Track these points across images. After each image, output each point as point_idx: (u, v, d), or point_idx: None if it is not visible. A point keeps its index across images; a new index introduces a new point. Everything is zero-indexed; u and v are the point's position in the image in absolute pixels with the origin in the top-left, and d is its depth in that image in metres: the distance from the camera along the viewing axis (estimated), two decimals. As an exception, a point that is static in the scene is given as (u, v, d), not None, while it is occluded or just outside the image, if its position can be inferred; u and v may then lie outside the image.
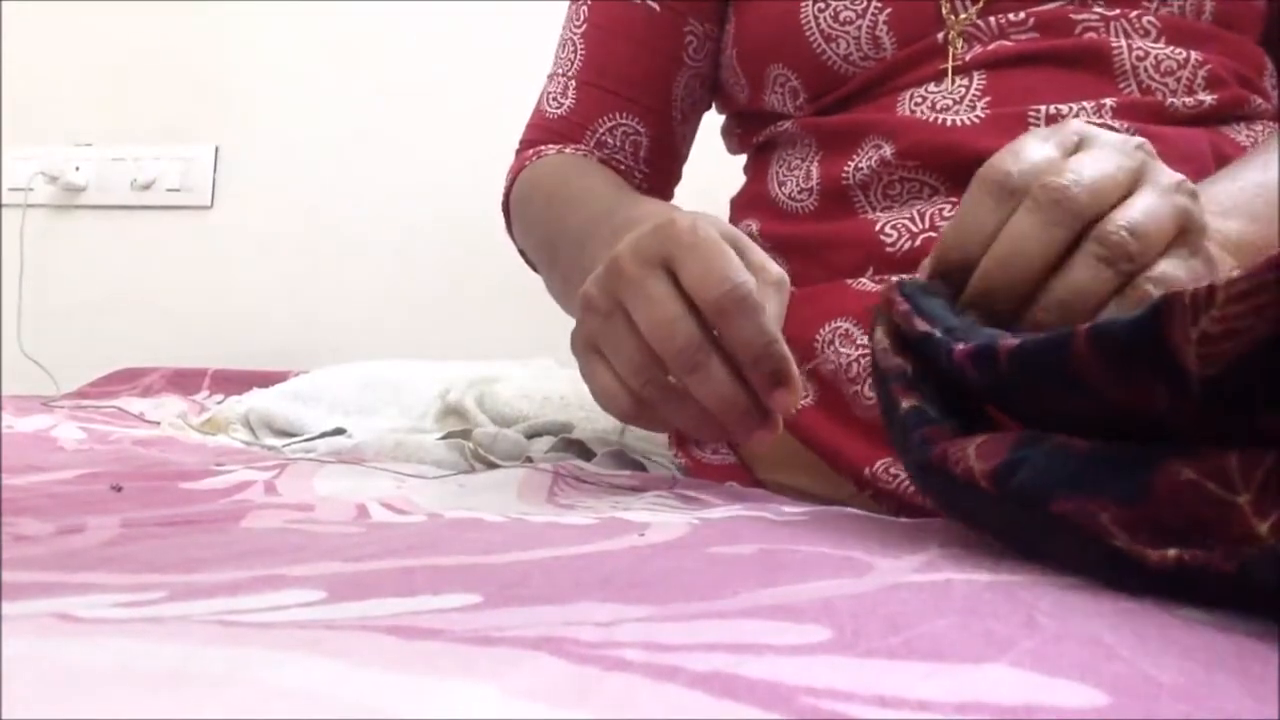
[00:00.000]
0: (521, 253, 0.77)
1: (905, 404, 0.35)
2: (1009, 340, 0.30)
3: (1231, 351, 0.22)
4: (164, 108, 1.68)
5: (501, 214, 0.77)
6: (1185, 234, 0.37)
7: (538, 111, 0.75)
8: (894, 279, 0.38)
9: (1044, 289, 0.36)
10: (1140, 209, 0.36)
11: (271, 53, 1.66)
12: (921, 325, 0.36)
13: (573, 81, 0.73)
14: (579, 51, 0.72)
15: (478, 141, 1.50)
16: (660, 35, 0.70)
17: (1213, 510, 0.22)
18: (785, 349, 0.42)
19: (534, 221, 0.70)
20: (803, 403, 0.58)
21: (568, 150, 0.72)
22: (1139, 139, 0.39)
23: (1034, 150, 0.38)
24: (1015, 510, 0.28)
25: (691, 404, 0.43)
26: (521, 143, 0.76)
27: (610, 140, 0.72)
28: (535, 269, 0.75)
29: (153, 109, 1.68)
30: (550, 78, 0.75)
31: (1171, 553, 0.23)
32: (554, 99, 0.74)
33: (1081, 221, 0.36)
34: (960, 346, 0.33)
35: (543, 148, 0.72)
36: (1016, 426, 0.33)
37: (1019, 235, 0.36)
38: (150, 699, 0.14)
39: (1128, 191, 0.37)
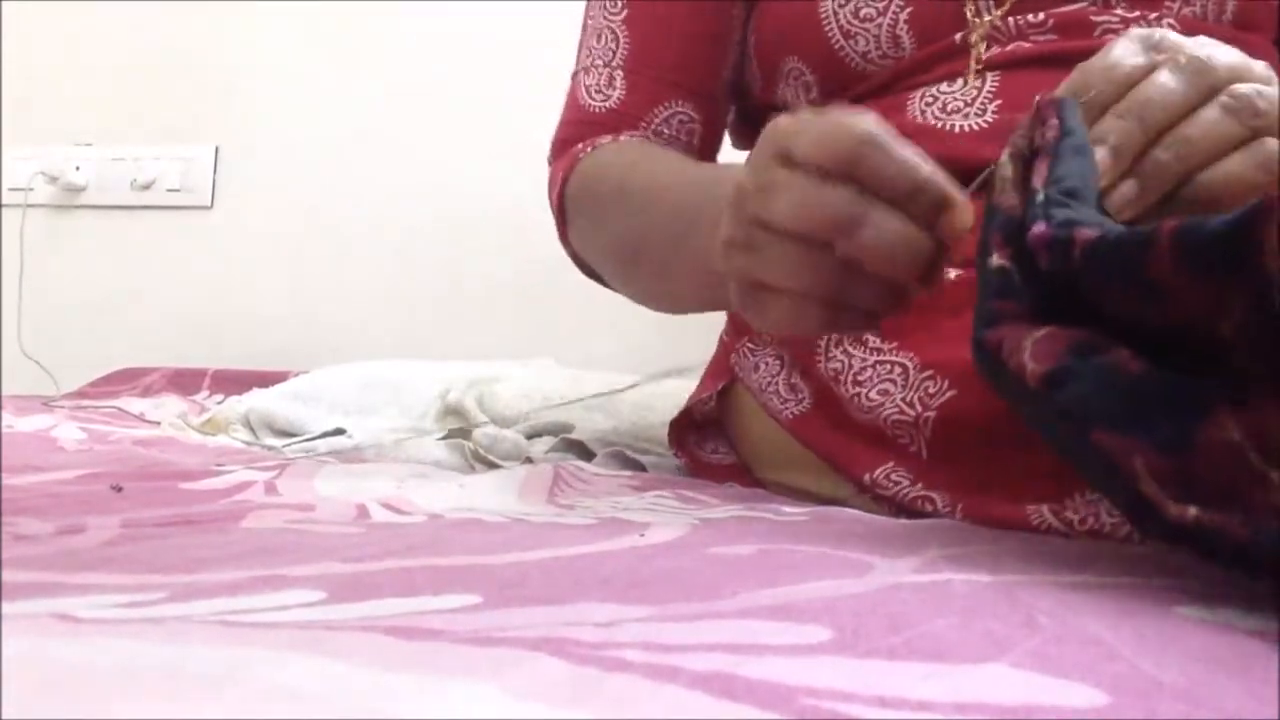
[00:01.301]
0: (574, 257, 0.71)
1: (995, 259, 0.34)
2: (1087, 231, 0.29)
3: None
4: (164, 108, 1.68)
5: (555, 218, 0.70)
6: None
7: (576, 107, 0.70)
8: (1051, 96, 0.38)
9: (1170, 132, 0.38)
10: (1267, 86, 0.39)
11: (271, 53, 1.66)
12: (1040, 177, 0.34)
13: (619, 71, 0.69)
14: (621, 40, 0.69)
15: (478, 142, 1.50)
16: (706, 18, 0.68)
17: (1247, 479, 0.22)
18: (938, 170, 0.38)
19: (602, 222, 0.65)
20: (798, 409, 0.58)
21: (623, 138, 0.67)
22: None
23: (1170, 33, 0.41)
24: (1057, 421, 0.28)
25: (871, 274, 0.39)
26: (559, 141, 0.71)
27: (666, 129, 0.68)
28: (594, 271, 0.70)
29: (153, 109, 1.68)
30: (586, 70, 0.70)
31: (1192, 511, 0.23)
32: (598, 91, 0.69)
33: (1216, 92, 0.38)
34: (1040, 227, 0.31)
35: (596, 140, 0.67)
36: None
37: (1161, 84, 0.38)
38: (150, 699, 0.14)
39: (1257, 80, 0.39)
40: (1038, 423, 0.30)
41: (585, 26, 0.72)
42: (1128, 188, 0.39)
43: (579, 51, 0.72)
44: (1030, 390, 0.29)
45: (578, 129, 0.69)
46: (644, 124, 0.68)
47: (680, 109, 0.68)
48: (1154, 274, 0.26)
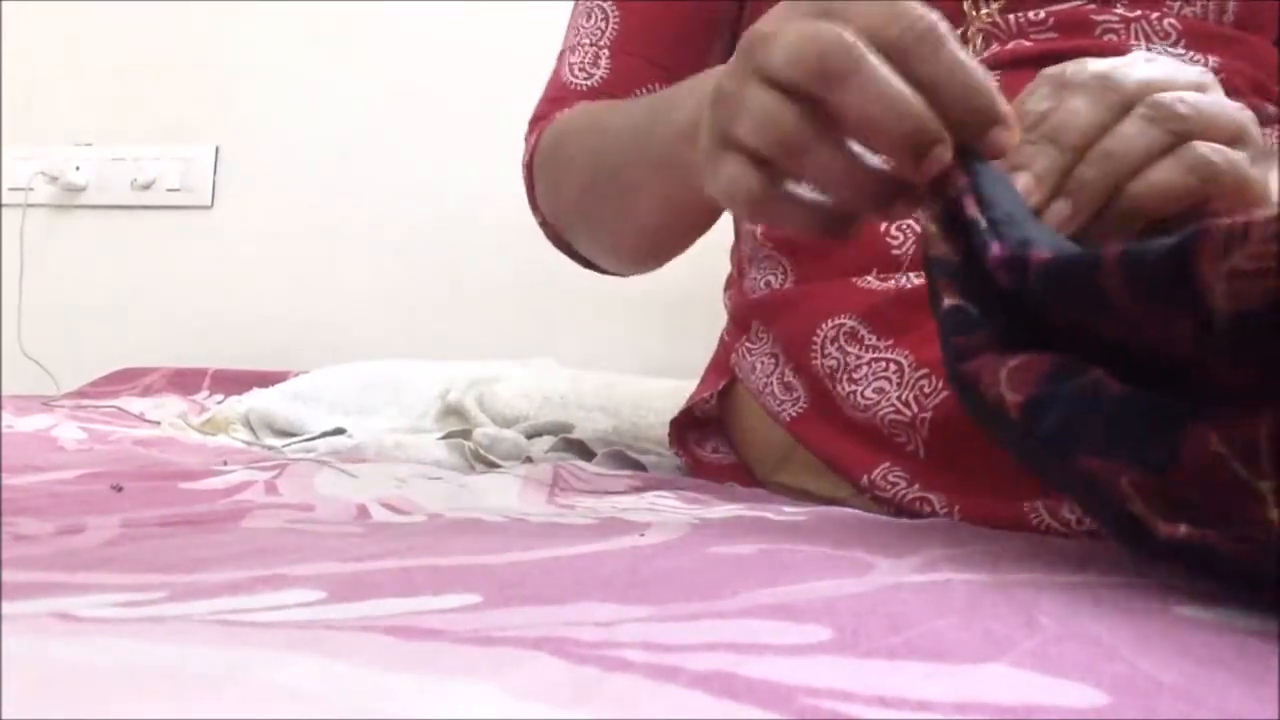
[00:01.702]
0: (543, 224, 0.70)
1: (947, 301, 0.34)
2: (1041, 253, 0.29)
3: (1265, 292, 0.20)
4: (164, 108, 1.68)
5: (525, 185, 0.70)
6: (1246, 142, 0.38)
7: (558, 85, 0.70)
8: (961, 147, 0.35)
9: (1091, 149, 0.38)
10: (1196, 92, 0.38)
11: (271, 53, 1.66)
12: (972, 210, 0.33)
13: (605, 50, 0.69)
14: (611, 20, 0.69)
15: (478, 142, 1.50)
16: (700, 7, 0.68)
17: (1235, 492, 0.22)
18: (993, 80, 0.36)
19: (570, 160, 0.64)
20: (795, 410, 0.58)
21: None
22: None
23: (1092, 61, 0.40)
24: (1040, 448, 0.28)
25: (843, 151, 0.35)
26: (535, 117, 0.71)
27: None
28: (560, 238, 0.69)
29: (153, 109, 1.68)
30: (572, 49, 0.70)
31: (1183, 529, 0.23)
32: (581, 69, 0.69)
33: (1128, 105, 0.38)
34: (995, 249, 0.31)
35: (568, 109, 0.67)
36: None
37: (1070, 107, 0.38)
38: (150, 699, 0.14)
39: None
40: (1021, 452, 0.30)
41: (575, 7, 0.72)
42: (1060, 207, 0.38)
43: (567, 31, 0.72)
44: (1011, 420, 0.29)
45: (556, 105, 0.69)
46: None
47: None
48: (1105, 295, 0.26)
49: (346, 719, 0.14)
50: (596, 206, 0.62)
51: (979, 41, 0.58)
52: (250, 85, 1.66)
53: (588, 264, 0.71)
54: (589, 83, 0.68)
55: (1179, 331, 0.23)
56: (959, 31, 0.58)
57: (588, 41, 0.70)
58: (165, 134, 1.67)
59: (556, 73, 0.71)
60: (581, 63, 0.69)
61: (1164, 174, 0.37)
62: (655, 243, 0.62)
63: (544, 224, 0.70)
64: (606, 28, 0.69)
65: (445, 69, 1.57)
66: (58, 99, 1.71)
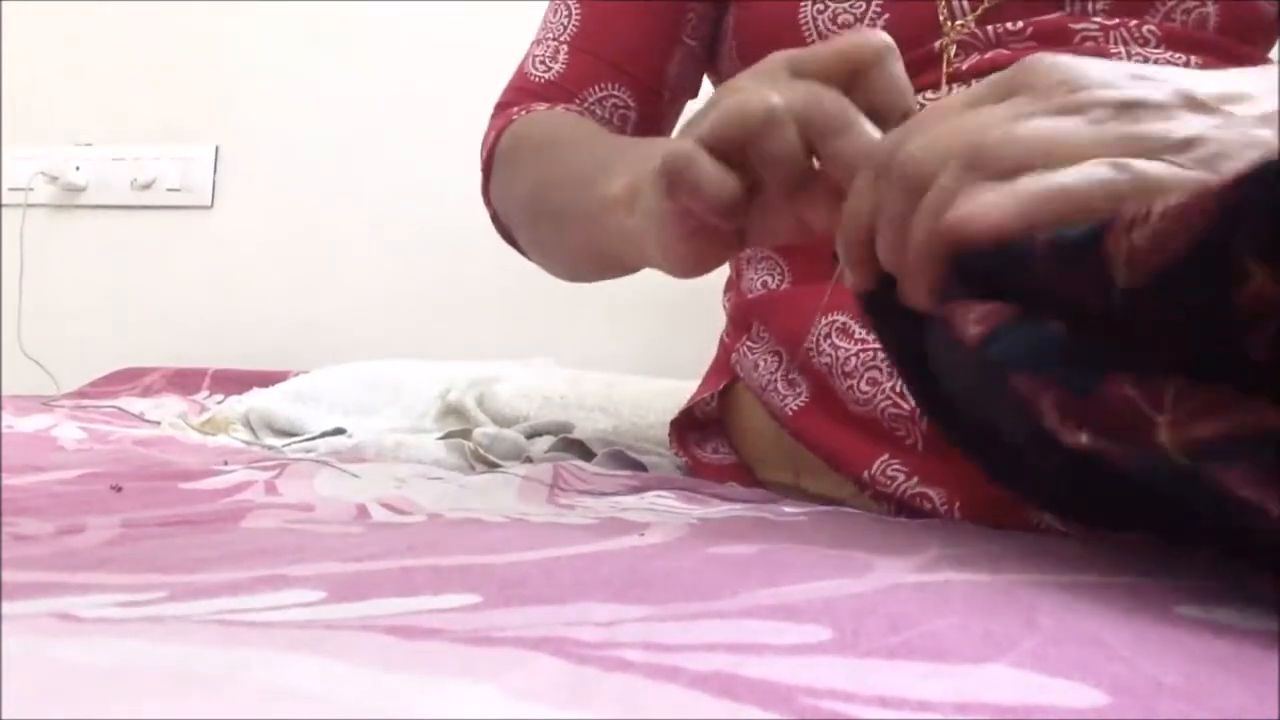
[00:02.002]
0: (494, 218, 0.72)
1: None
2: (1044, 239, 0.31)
3: (1155, 265, 0.23)
4: (164, 108, 1.68)
5: (482, 173, 0.72)
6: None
7: (520, 74, 0.71)
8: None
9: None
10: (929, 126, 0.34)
11: (271, 53, 1.66)
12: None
13: (564, 46, 0.70)
14: (573, 16, 0.70)
15: (478, 142, 1.50)
16: (661, 9, 0.68)
17: (1136, 422, 0.24)
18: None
19: (522, 171, 0.66)
20: (797, 403, 0.58)
21: (559, 108, 0.68)
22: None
23: (935, 115, 0.35)
24: (979, 376, 0.31)
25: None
26: (499, 105, 0.72)
27: (599, 110, 0.69)
28: (508, 233, 0.71)
29: (153, 109, 1.68)
30: (537, 42, 0.72)
31: (1084, 437, 0.26)
32: (541, 62, 0.70)
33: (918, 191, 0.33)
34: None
35: (531, 104, 0.69)
36: None
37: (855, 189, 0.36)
38: (150, 699, 0.14)
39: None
40: (934, 403, 0.33)
41: (550, 2, 0.73)
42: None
43: (540, 25, 0.73)
44: (965, 355, 0.30)
45: (517, 95, 0.71)
46: (577, 100, 0.69)
47: (616, 93, 0.69)
48: (1039, 277, 0.28)
49: (346, 719, 0.14)
50: (535, 226, 0.64)
51: (952, 51, 0.58)
52: (250, 85, 1.66)
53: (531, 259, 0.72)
54: (547, 76, 0.70)
55: (1089, 301, 0.26)
56: (938, 43, 0.58)
57: (550, 36, 0.71)
58: (165, 134, 1.67)
59: (521, 62, 0.72)
60: (543, 56, 0.71)
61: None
62: (584, 274, 0.63)
63: (494, 217, 0.72)
64: (568, 24, 0.70)
65: (445, 69, 1.57)
66: (58, 99, 1.71)
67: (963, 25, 0.58)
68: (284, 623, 0.19)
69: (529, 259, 0.70)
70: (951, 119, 0.33)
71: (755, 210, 0.39)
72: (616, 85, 0.69)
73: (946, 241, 0.31)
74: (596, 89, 0.69)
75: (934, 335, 0.34)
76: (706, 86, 0.74)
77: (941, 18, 0.58)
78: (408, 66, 1.59)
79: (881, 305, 0.36)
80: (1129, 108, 0.31)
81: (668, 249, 0.42)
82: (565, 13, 0.71)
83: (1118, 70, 0.33)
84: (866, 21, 0.59)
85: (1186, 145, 0.31)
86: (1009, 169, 0.31)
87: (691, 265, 0.42)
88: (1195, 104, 0.32)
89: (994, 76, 0.34)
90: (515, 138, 0.67)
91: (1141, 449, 0.24)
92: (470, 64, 1.56)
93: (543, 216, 0.62)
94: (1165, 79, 0.32)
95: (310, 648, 0.17)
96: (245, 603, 0.20)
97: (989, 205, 0.30)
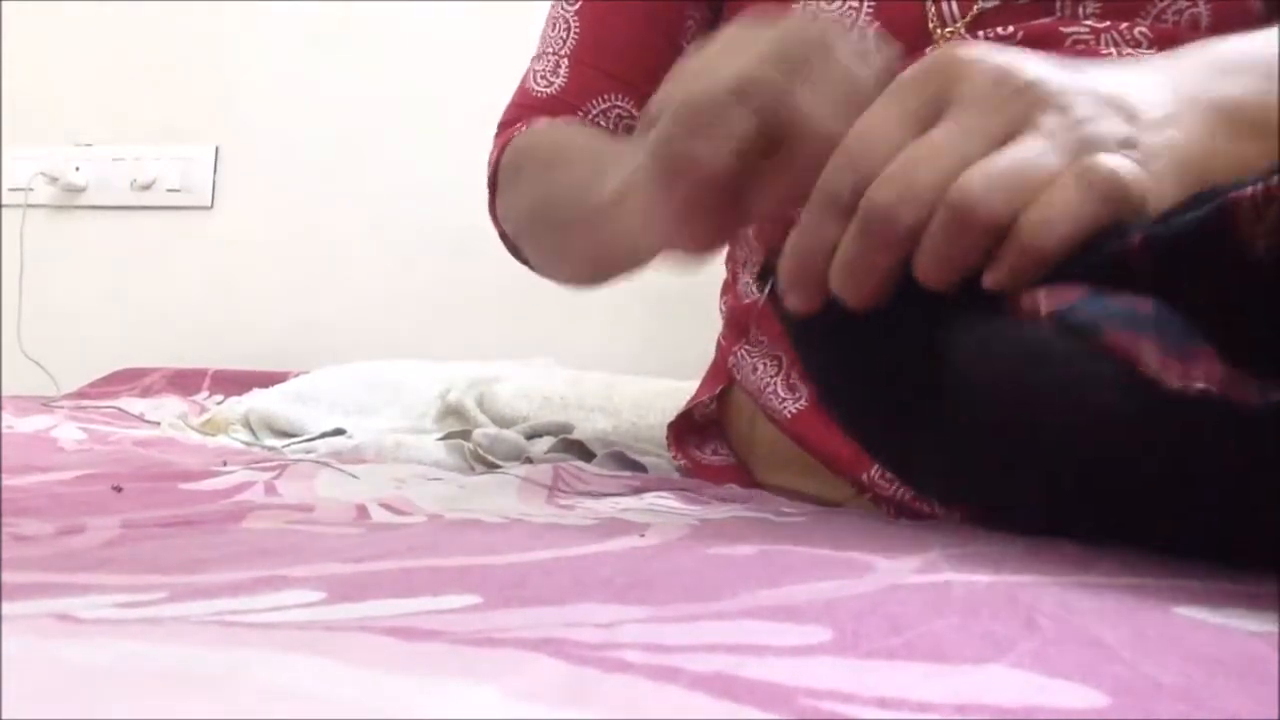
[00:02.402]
0: (502, 236, 0.72)
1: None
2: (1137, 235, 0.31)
3: None
4: (164, 108, 1.68)
5: (488, 192, 0.72)
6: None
7: (522, 91, 0.71)
8: None
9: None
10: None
11: (271, 53, 1.66)
12: None
13: (565, 60, 0.69)
14: (572, 29, 0.70)
15: (479, 142, 1.50)
16: (659, 16, 0.68)
17: (1230, 377, 0.26)
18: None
19: (525, 185, 0.66)
20: (796, 406, 0.58)
21: (560, 120, 0.68)
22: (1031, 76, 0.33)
23: (879, 140, 0.33)
24: (1027, 348, 0.30)
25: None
26: (502, 124, 0.72)
27: (603, 122, 0.69)
28: (517, 250, 0.71)
29: (153, 109, 1.68)
30: (537, 57, 0.72)
31: (1198, 385, 0.26)
32: (543, 77, 0.70)
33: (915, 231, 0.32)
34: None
35: (534, 120, 0.69)
36: None
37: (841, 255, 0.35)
38: (150, 699, 0.14)
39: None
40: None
41: (547, 16, 0.73)
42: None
43: (539, 40, 0.73)
44: (1009, 336, 0.31)
45: (520, 111, 0.70)
46: (581, 112, 0.68)
47: (619, 103, 0.68)
48: (1133, 276, 0.29)
49: (346, 719, 0.14)
50: (540, 238, 0.65)
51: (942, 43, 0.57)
52: (250, 85, 1.66)
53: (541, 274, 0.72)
54: (549, 90, 0.70)
55: (1225, 290, 0.27)
56: (929, 49, 0.58)
57: (551, 50, 0.71)
58: (165, 134, 1.67)
59: (523, 79, 0.72)
60: (543, 70, 0.70)
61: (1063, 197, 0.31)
62: (591, 281, 0.63)
63: (502, 236, 0.72)
64: (567, 37, 0.70)
65: (445, 69, 1.57)
66: (58, 99, 1.71)
67: (952, 31, 0.57)
68: (284, 623, 0.19)
69: (538, 274, 0.70)
70: (912, 154, 0.32)
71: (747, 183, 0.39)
72: (619, 95, 0.68)
73: (1033, 266, 0.31)
74: (600, 100, 0.68)
75: (948, 332, 0.33)
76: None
77: (931, 25, 0.58)
78: (408, 66, 1.59)
79: (809, 323, 0.36)
80: (1066, 108, 0.32)
81: (664, 235, 0.41)
82: (564, 26, 0.70)
83: (1038, 64, 0.33)
84: (851, 16, 0.59)
85: (1127, 144, 0.33)
86: (1003, 218, 0.31)
87: (690, 247, 0.41)
88: (1115, 106, 0.33)
89: (907, 78, 0.34)
90: (517, 153, 0.67)
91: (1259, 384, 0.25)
92: (470, 64, 1.56)
93: (546, 227, 0.62)
94: (1084, 77, 0.33)
95: (310, 648, 0.17)
96: (245, 603, 0.20)
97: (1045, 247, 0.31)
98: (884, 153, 0.33)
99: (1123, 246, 0.29)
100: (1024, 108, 0.32)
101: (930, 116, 0.33)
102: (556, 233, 0.60)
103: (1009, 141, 0.32)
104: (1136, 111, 0.33)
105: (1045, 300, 0.30)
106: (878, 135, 0.33)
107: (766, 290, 0.39)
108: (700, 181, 0.37)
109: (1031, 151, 0.31)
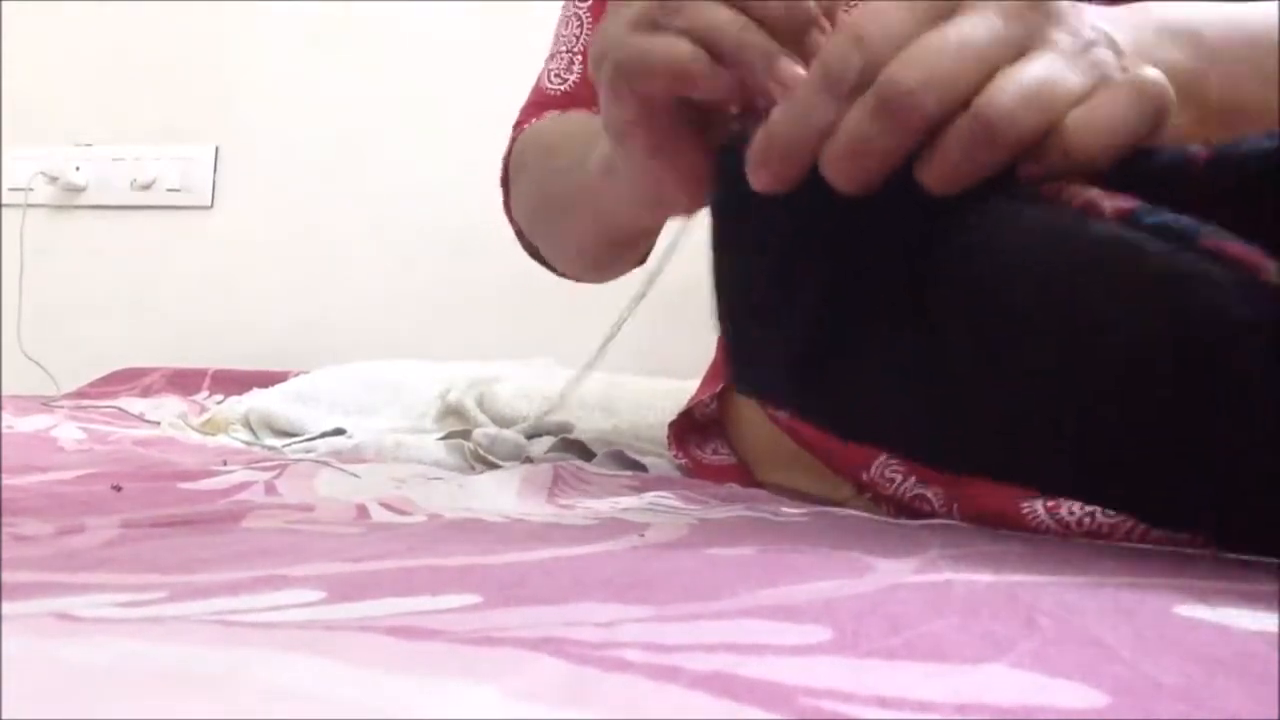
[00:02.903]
0: (519, 234, 0.71)
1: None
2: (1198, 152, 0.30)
3: None
4: (164, 108, 1.68)
5: (501, 190, 0.72)
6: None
7: (537, 90, 0.71)
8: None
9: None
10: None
11: (271, 53, 1.66)
12: None
13: (578, 56, 0.69)
14: (584, 25, 0.69)
15: (479, 142, 1.50)
16: None
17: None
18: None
19: (532, 174, 0.65)
20: None
21: (570, 112, 0.67)
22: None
23: (894, 23, 0.31)
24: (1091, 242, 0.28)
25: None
26: (516, 124, 0.71)
27: None
28: (532, 247, 0.70)
29: (153, 109, 1.68)
30: (551, 56, 0.71)
31: (1275, 270, 0.25)
32: (557, 75, 0.69)
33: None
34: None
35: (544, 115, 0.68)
36: None
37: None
38: (150, 699, 0.14)
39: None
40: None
41: (560, 16, 0.73)
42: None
43: (553, 40, 0.73)
44: (1091, 219, 0.28)
45: (534, 110, 0.70)
46: (595, 107, 0.68)
47: None
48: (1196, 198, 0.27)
49: (346, 719, 0.14)
50: (549, 224, 0.64)
51: None
52: (250, 85, 1.66)
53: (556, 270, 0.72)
54: (563, 88, 0.69)
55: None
56: None
57: (564, 48, 0.70)
58: (165, 134, 1.67)
59: (539, 78, 0.72)
60: (558, 69, 0.70)
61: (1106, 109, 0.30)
62: (595, 262, 0.62)
63: (519, 233, 0.71)
64: (580, 34, 0.70)
65: (445, 69, 1.57)
66: (58, 99, 1.71)
67: None
68: (284, 623, 0.19)
69: (554, 270, 0.70)
70: (934, 42, 0.30)
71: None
72: None
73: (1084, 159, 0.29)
74: None
75: (961, 219, 0.30)
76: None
77: None
78: (408, 66, 1.59)
79: (761, 214, 0.33)
80: (1076, 31, 0.31)
81: (640, 173, 0.40)
82: (576, 23, 0.70)
83: None
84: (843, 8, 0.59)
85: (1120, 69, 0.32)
86: (1034, 135, 0.30)
87: (669, 183, 0.39)
88: (1108, 40, 0.32)
89: None
90: (524, 146, 0.67)
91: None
92: (470, 64, 1.56)
93: (551, 212, 0.62)
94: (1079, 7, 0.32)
95: (310, 648, 0.17)
96: (245, 603, 0.20)
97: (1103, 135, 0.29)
98: (898, 36, 0.30)
99: (1183, 160, 0.28)
100: (1040, 20, 0.31)
101: (941, 12, 0.31)
102: (561, 216, 0.59)
103: (1027, 53, 0.30)
104: (1122, 49, 0.32)
105: (1105, 201, 0.28)
106: (891, 18, 0.31)
107: (717, 170, 0.35)
108: (656, 81, 0.35)
109: (1056, 67, 0.30)
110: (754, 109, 0.34)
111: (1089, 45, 0.31)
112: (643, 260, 0.62)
